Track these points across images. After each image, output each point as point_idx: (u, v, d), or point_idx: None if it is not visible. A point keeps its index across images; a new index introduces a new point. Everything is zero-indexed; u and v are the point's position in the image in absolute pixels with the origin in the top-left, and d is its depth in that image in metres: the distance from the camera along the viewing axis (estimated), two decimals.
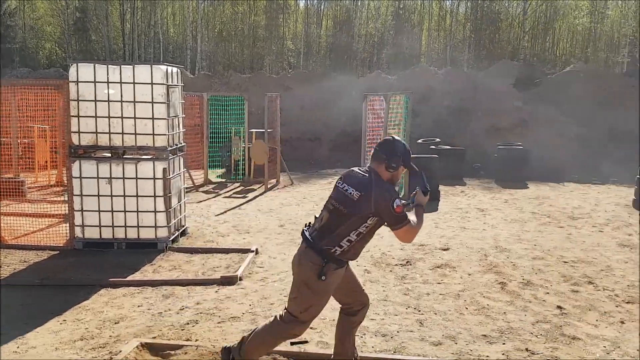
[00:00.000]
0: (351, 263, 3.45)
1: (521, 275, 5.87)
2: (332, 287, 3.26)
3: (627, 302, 5.15)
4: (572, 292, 5.41)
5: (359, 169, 3.37)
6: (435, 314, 4.76)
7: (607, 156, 14.57)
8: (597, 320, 4.68)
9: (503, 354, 3.94)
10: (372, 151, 3.37)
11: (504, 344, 4.14)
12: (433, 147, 14.16)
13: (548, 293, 5.36)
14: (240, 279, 5.65)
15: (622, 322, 4.64)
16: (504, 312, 4.81)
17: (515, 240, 7.49)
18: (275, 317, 3.35)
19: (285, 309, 3.32)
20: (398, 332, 4.35)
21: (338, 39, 36.94)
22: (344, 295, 3.48)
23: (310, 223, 3.42)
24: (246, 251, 6.70)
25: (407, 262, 6.37)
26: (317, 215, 3.38)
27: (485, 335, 4.28)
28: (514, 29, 34.60)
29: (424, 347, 4.06)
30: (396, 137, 3.40)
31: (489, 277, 5.81)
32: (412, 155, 3.40)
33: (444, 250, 6.91)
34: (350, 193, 3.20)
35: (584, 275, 5.94)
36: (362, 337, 4.22)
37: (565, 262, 6.44)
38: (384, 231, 7.98)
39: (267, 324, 3.39)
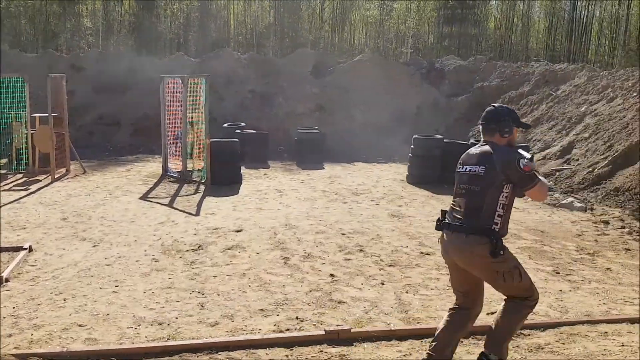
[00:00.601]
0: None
1: (304, 249, 6.29)
2: (512, 256, 3.29)
3: (390, 266, 5.87)
4: (345, 260, 5.99)
5: (472, 149, 3.39)
6: (219, 295, 4.86)
7: (390, 137, 16.31)
8: (362, 284, 5.26)
9: (275, 325, 4.20)
10: (480, 127, 3.39)
11: (277, 315, 4.41)
12: (238, 131, 14.28)
13: (324, 263, 5.84)
14: (7, 280, 5.08)
15: (383, 284, 5.28)
16: (283, 285, 5.12)
17: (304, 217, 7.99)
18: (507, 303, 3.34)
19: (508, 296, 3.34)
20: (177, 318, 4.34)
21: (141, 18, 34.86)
22: (464, 285, 3.42)
23: (441, 219, 3.39)
24: (18, 249, 6.04)
25: (198, 247, 6.37)
26: (452, 207, 3.36)
27: (262, 310, 4.51)
28: (314, 19, 36.48)
29: (200, 329, 4.13)
30: (495, 104, 3.44)
31: (275, 254, 6.12)
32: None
33: (237, 232, 7.07)
34: (475, 171, 3.23)
35: (357, 244, 6.60)
36: (136, 328, 4.12)
37: (343, 233, 7.08)
38: (179, 217, 7.94)
39: (505, 314, 3.32)
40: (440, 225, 3.41)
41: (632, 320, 4.42)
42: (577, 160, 11.20)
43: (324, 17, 37.56)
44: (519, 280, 3.25)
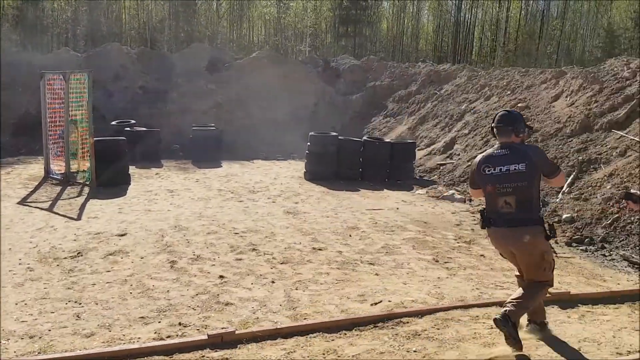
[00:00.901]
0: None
1: (192, 252, 6.13)
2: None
3: (282, 263, 5.89)
4: (236, 260, 5.92)
5: (494, 152, 3.78)
6: (97, 304, 4.59)
7: (289, 134, 16.41)
8: (252, 284, 5.22)
9: (155, 332, 4.04)
10: (495, 130, 3.81)
11: (159, 322, 4.25)
12: (128, 129, 13.61)
13: (214, 265, 5.73)
14: None
15: (273, 282, 5.28)
16: (168, 290, 4.94)
17: (196, 217, 7.79)
18: (530, 283, 3.81)
19: (535, 280, 3.79)
20: (50, 330, 4.04)
21: (25, 11, 32.13)
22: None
23: (486, 218, 3.81)
24: None
25: (78, 254, 5.98)
26: (495, 205, 3.73)
27: (142, 317, 4.32)
28: (211, 14, 35.78)
29: (75, 341, 3.87)
30: (507, 109, 4.01)
31: (161, 258, 5.90)
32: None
33: (121, 236, 6.73)
34: (516, 169, 3.62)
35: (250, 243, 6.56)
36: (4, 343, 3.79)
37: (236, 233, 7.00)
38: (59, 222, 7.40)
39: (529, 290, 3.77)
40: (489, 223, 3.82)
41: (500, 304, 4.75)
42: (459, 154, 11.97)
43: (221, 12, 36.92)
44: (549, 271, 3.80)
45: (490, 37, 38.39)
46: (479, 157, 3.89)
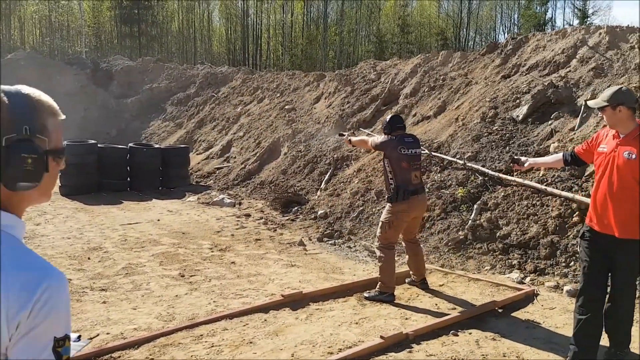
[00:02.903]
0: None
1: None
2: None
3: None
4: None
5: (405, 138, 4.95)
6: None
7: None
8: None
9: None
10: (400, 126, 5.04)
11: None
12: None
13: None
14: None
15: None
16: None
17: None
18: (418, 245, 5.35)
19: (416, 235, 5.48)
20: None
21: None
22: (412, 227, 5.20)
23: (407, 190, 4.80)
24: None
25: None
26: (410, 178, 4.82)
27: None
28: None
29: None
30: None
31: None
32: None
33: None
34: (418, 152, 5.00)
35: None
36: None
37: None
38: None
39: (421, 253, 5.39)
40: (406, 195, 4.77)
41: (230, 316, 4.57)
42: (235, 157, 11.88)
43: None
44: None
45: (278, 41, 39.75)
46: (392, 139, 4.89)
